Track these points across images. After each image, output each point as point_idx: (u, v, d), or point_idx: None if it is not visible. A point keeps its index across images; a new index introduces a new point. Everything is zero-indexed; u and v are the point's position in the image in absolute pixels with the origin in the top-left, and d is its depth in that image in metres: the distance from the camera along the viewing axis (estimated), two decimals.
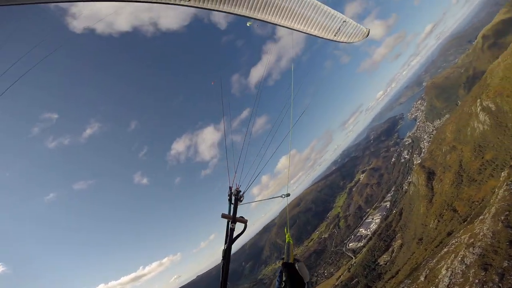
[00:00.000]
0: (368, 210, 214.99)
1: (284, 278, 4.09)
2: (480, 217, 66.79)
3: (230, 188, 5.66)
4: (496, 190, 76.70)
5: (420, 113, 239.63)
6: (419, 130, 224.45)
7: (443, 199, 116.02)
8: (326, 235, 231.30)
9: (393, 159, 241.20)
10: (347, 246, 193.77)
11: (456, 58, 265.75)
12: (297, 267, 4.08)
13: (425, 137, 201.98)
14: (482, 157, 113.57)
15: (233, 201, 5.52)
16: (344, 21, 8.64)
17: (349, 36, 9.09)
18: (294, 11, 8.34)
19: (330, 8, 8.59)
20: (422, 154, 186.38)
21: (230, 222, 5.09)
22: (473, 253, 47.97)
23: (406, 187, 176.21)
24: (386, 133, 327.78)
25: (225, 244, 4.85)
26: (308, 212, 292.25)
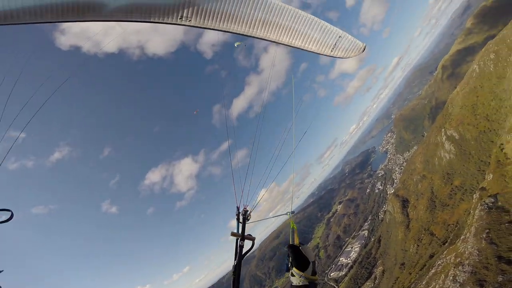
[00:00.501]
0: (347, 239, 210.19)
1: (290, 259, 4.07)
2: (462, 237, 65.25)
3: (238, 208, 5.72)
4: (471, 211, 76.83)
5: (391, 146, 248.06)
6: (390, 162, 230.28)
7: (420, 224, 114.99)
8: None
9: (368, 190, 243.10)
10: (328, 275, 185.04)
11: (420, 89, 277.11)
12: (301, 248, 4.10)
13: (397, 168, 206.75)
14: (451, 184, 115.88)
15: (241, 220, 5.61)
16: (340, 36, 8.49)
17: (346, 51, 8.79)
18: (291, 28, 8.20)
19: (326, 23, 8.40)
20: (394, 184, 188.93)
21: (239, 240, 5.18)
22: (464, 271, 45.21)
23: (382, 216, 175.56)
24: (360, 166, 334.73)
25: (234, 260, 4.91)
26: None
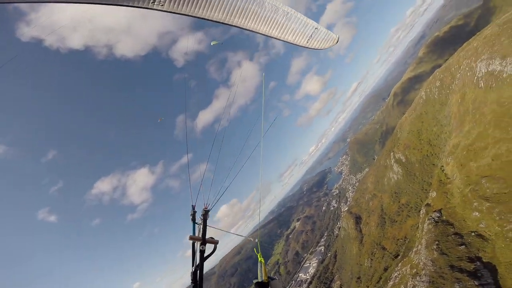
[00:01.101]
0: (305, 255, 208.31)
1: None
2: (414, 249, 65.92)
3: (193, 206, 4.89)
4: (419, 225, 79.42)
5: (345, 167, 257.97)
6: (344, 182, 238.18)
7: (372, 239, 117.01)
8: None
9: (323, 208, 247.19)
10: None
11: (373, 115, 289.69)
12: (271, 286, 3.73)
13: (350, 188, 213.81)
14: (399, 201, 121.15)
15: (199, 221, 4.90)
16: (316, 28, 8.54)
17: (321, 42, 8.91)
18: (269, 18, 7.98)
19: (303, 16, 8.41)
20: (348, 202, 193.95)
21: (200, 244, 4.54)
22: (422, 281, 44.54)
23: (337, 232, 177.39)
24: (317, 185, 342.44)
25: (192, 266, 4.29)
26: (249, 259, 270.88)
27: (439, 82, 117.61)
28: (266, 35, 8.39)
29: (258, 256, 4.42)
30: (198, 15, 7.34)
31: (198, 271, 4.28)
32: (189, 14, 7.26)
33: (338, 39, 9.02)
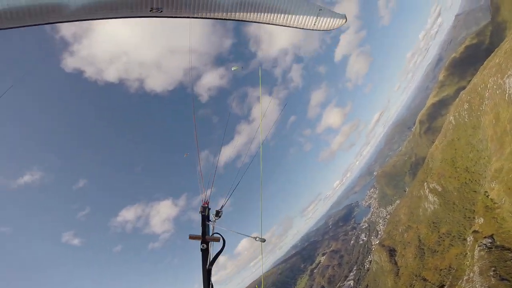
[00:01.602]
0: None
1: None
2: (465, 278, 57.70)
3: (203, 204, 4.52)
4: (468, 253, 70.16)
5: (373, 201, 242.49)
6: (374, 215, 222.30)
7: (410, 271, 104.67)
8: None
9: (352, 242, 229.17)
10: None
11: (400, 146, 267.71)
12: None
13: (380, 221, 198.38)
14: (438, 231, 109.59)
15: (212, 219, 4.47)
16: (320, 9, 8.05)
17: (328, 23, 8.42)
18: (271, 6, 7.64)
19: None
20: (379, 236, 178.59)
21: (201, 243, 4.05)
22: None
23: (368, 266, 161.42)
24: (344, 219, 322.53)
25: (202, 267, 3.86)
26: None
27: (467, 104, 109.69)
28: (271, 24, 8.11)
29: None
30: (197, 16, 7.01)
31: (204, 273, 3.82)
32: (189, 16, 6.99)
33: (346, 18, 8.54)
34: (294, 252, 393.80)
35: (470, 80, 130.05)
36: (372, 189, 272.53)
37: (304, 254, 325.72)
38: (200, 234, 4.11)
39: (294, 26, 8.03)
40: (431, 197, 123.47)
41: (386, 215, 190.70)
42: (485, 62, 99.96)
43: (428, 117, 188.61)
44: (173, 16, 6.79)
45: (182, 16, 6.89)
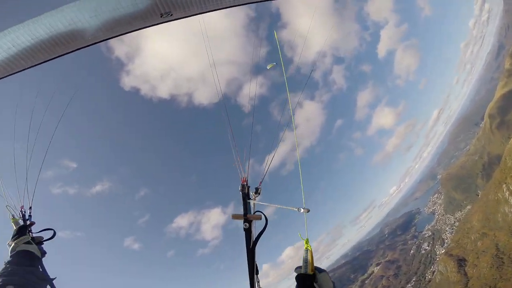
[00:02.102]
0: None
1: None
2: None
3: (242, 182, 4.10)
4: None
5: (438, 207, 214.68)
6: (439, 222, 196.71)
7: (483, 282, 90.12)
8: None
9: (412, 251, 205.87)
10: None
11: (467, 144, 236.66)
12: (317, 280, 2.56)
13: (447, 228, 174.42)
14: None
15: (251, 197, 3.99)
16: None
17: None
18: None
19: None
20: (445, 244, 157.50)
21: (243, 222, 3.70)
22: None
23: (430, 276, 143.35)
24: (402, 227, 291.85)
25: (245, 247, 3.60)
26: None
27: None
28: None
29: (304, 243, 3.21)
30: (207, 9, 6.87)
31: (248, 253, 3.61)
32: (199, 12, 6.86)
33: None
34: (343, 261, 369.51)
35: None
36: (436, 195, 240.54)
37: (355, 264, 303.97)
38: (242, 213, 3.89)
39: None
40: None
41: (455, 222, 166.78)
42: None
43: (499, 110, 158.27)
44: (184, 16, 6.76)
45: (192, 14, 6.86)
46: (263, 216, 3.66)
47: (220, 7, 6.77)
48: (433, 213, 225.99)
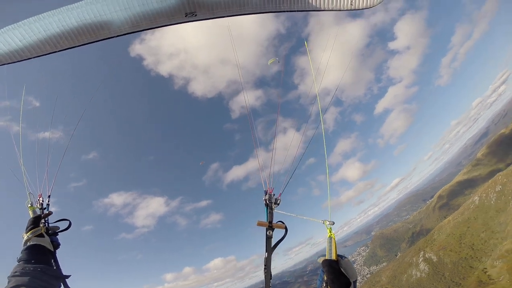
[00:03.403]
0: None
1: (325, 278, 2.90)
2: None
3: (266, 192, 4.50)
4: None
5: (360, 258, 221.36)
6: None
7: None
8: None
9: None
10: None
11: (409, 214, 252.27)
12: (341, 265, 2.86)
13: (359, 278, 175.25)
14: None
15: (273, 207, 4.46)
16: None
17: (367, 1, 6.78)
18: None
19: None
20: None
21: (266, 230, 4.14)
22: None
23: None
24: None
25: (265, 252, 4.05)
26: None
27: (500, 187, 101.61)
28: (305, 10, 7.49)
29: (328, 231, 3.40)
30: (230, 14, 6.91)
31: (267, 259, 3.90)
32: (223, 15, 6.92)
33: None
34: (261, 286, 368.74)
35: (510, 163, 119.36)
36: (363, 247, 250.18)
37: None
38: (267, 221, 4.16)
39: (330, 9, 7.39)
40: (422, 266, 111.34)
41: (367, 274, 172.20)
42: None
43: (449, 193, 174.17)
44: (208, 17, 6.98)
45: (216, 16, 7.03)
46: (285, 226, 4.00)
47: (242, 13, 7.03)
48: (353, 262, 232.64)
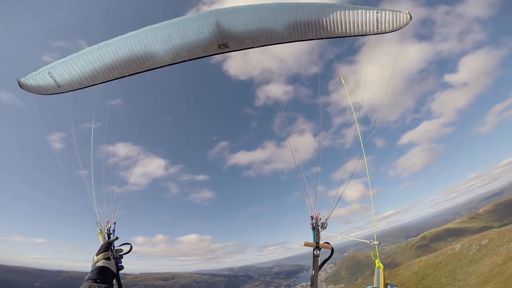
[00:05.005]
0: None
1: None
2: None
3: (312, 217, 5.13)
4: None
5: (324, 274, 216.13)
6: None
7: None
8: None
9: None
10: None
11: (387, 246, 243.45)
12: None
13: None
14: None
15: (315, 229, 5.09)
16: (377, 12, 7.35)
17: (392, 23, 7.34)
18: (323, 20, 7.41)
19: (359, 5, 7.47)
20: None
21: (314, 250, 4.73)
22: None
23: None
24: (288, 274, 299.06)
25: (312, 270, 4.64)
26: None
27: (487, 241, 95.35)
28: (333, 37, 7.68)
29: (376, 262, 3.69)
30: (258, 45, 7.33)
31: (313, 277, 4.37)
32: (251, 46, 7.41)
33: (410, 14, 7.19)
34: (226, 273, 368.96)
35: (505, 224, 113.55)
36: (331, 264, 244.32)
37: (232, 280, 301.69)
38: (314, 242, 4.64)
39: (357, 34, 7.69)
40: None
41: None
42: None
43: (434, 236, 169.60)
44: (239, 49, 7.43)
45: (245, 47, 7.42)
46: (331, 247, 4.50)
47: (270, 43, 7.49)
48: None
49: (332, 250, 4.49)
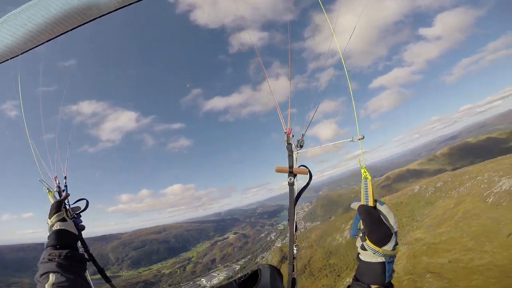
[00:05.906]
0: (219, 265, 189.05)
1: (361, 226, 2.15)
2: None
3: (288, 133, 3.35)
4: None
5: (301, 212, 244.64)
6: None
7: (285, 280, 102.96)
8: (167, 272, 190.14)
9: (262, 235, 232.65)
10: None
11: (356, 184, 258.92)
12: (380, 212, 2.11)
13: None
14: (327, 261, 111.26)
15: (294, 150, 3.34)
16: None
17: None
18: None
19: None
20: (284, 242, 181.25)
21: (288, 176, 3.02)
22: None
23: (258, 260, 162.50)
24: (270, 214, 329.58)
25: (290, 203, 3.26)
26: (164, 243, 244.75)
27: (441, 183, 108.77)
28: None
29: (362, 171, 2.24)
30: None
31: (289, 211, 2.88)
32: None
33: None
34: (213, 219, 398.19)
35: (456, 168, 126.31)
36: (307, 203, 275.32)
37: (220, 225, 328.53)
38: (287, 166, 2.86)
39: None
40: (346, 233, 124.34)
41: (302, 228, 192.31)
42: (499, 158, 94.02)
43: (396, 177, 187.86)
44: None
45: None
46: (308, 171, 2.98)
47: None
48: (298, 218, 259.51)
49: (310, 175, 3.20)
